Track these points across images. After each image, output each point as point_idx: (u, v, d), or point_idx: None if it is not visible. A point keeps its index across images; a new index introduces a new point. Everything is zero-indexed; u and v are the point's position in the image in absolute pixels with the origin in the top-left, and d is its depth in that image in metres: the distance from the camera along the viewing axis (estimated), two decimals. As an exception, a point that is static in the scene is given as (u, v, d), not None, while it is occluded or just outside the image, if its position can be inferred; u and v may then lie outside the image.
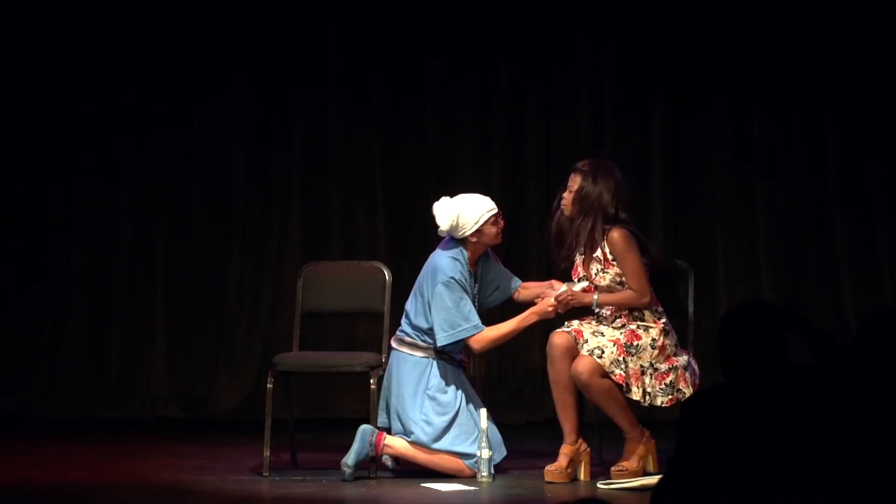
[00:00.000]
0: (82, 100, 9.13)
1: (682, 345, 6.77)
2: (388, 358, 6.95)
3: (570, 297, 6.64)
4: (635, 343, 6.57)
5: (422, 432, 6.71)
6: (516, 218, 9.14)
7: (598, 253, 6.64)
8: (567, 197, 6.70)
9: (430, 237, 9.17)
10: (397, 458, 6.84)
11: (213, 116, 9.21)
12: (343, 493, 6.40)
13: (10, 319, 9.10)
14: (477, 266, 6.90)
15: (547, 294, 6.74)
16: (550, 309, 6.69)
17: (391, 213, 9.21)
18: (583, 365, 6.54)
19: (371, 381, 6.81)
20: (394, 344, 6.86)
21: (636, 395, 6.56)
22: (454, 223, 6.77)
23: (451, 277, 6.72)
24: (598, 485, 6.54)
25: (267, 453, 6.76)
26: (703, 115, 9.07)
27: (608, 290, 6.63)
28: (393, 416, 6.79)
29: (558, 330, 6.69)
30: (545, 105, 9.16)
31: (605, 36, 9.09)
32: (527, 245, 9.07)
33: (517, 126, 9.17)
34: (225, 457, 7.38)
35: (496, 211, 6.80)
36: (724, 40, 8.99)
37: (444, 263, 6.77)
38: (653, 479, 6.22)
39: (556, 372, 6.64)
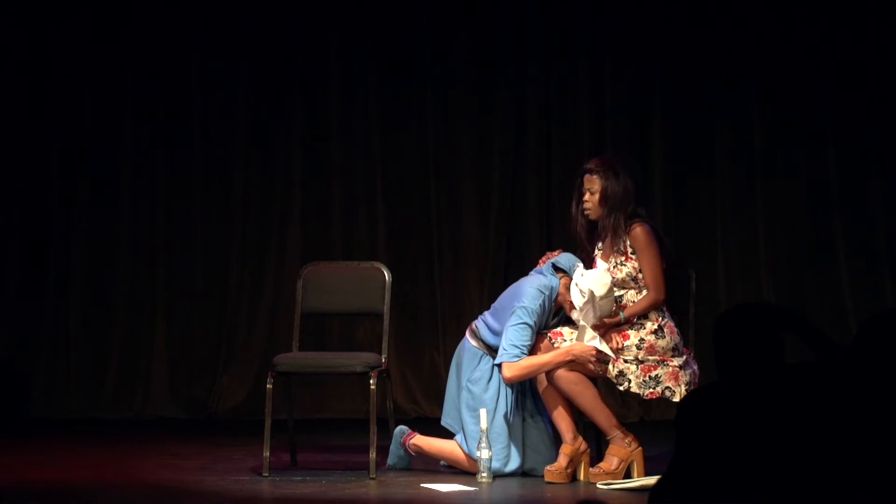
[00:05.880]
0: (82, 100, 9.14)
1: (683, 345, 6.76)
2: (388, 359, 7.05)
3: (594, 348, 6.55)
4: (624, 343, 6.57)
5: (462, 441, 6.79)
6: (516, 217, 9.16)
7: (619, 247, 6.63)
8: (590, 199, 6.67)
9: (429, 237, 9.20)
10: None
11: (213, 116, 9.22)
12: (343, 493, 6.40)
13: (10, 319, 9.10)
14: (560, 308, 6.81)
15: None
16: (591, 360, 6.55)
17: (391, 213, 9.21)
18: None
19: (371, 381, 6.80)
20: (466, 334, 6.88)
21: (611, 373, 6.54)
22: (593, 292, 6.54)
23: (526, 307, 6.60)
24: (598, 485, 6.54)
25: (267, 454, 6.75)
26: (702, 115, 9.08)
27: (622, 283, 6.62)
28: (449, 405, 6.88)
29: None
30: (545, 105, 9.16)
31: (605, 36, 9.10)
32: (528, 244, 9.07)
33: (517, 126, 9.17)
34: (225, 457, 7.38)
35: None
36: (724, 40, 9.00)
37: (529, 293, 6.64)
38: (652, 480, 6.21)
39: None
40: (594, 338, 6.54)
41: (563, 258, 6.76)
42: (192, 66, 9.19)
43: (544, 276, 6.71)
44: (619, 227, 6.61)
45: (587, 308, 6.52)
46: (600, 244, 6.73)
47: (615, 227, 6.61)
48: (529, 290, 6.64)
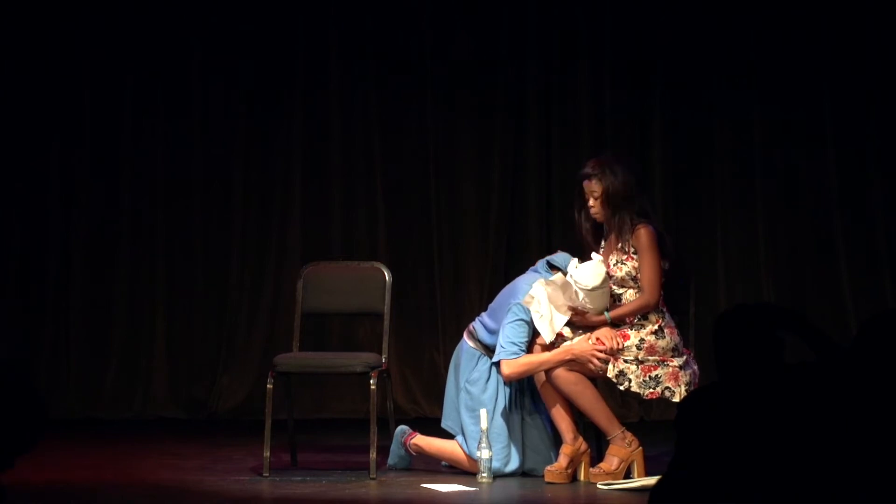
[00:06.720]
0: (82, 100, 9.13)
1: (683, 345, 6.75)
2: (388, 359, 7.05)
3: (588, 343, 6.57)
4: (624, 343, 6.56)
5: (462, 442, 6.79)
6: (516, 217, 9.16)
7: (623, 245, 6.63)
8: (594, 204, 6.67)
9: (429, 237, 9.19)
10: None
11: (213, 116, 9.21)
12: (343, 493, 6.40)
13: (9, 319, 9.09)
14: None
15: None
16: (591, 360, 6.55)
17: (391, 213, 9.21)
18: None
19: (371, 381, 6.80)
20: (464, 335, 6.88)
21: (611, 372, 6.53)
22: (581, 286, 6.56)
23: (522, 304, 6.62)
24: (599, 485, 6.54)
25: (267, 454, 6.75)
26: (702, 115, 9.07)
27: (621, 282, 6.62)
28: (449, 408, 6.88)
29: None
30: (545, 105, 9.16)
31: (605, 36, 9.10)
32: (528, 244, 9.07)
33: (517, 126, 9.17)
34: (225, 457, 7.38)
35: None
36: (724, 40, 8.99)
37: (525, 291, 6.65)
38: (652, 480, 6.21)
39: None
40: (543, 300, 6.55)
41: (559, 256, 6.78)
42: (192, 66, 9.18)
43: (540, 273, 6.72)
44: (625, 225, 6.61)
45: (562, 289, 6.52)
46: (604, 243, 6.74)
47: (620, 226, 6.62)
48: (525, 288, 6.65)
